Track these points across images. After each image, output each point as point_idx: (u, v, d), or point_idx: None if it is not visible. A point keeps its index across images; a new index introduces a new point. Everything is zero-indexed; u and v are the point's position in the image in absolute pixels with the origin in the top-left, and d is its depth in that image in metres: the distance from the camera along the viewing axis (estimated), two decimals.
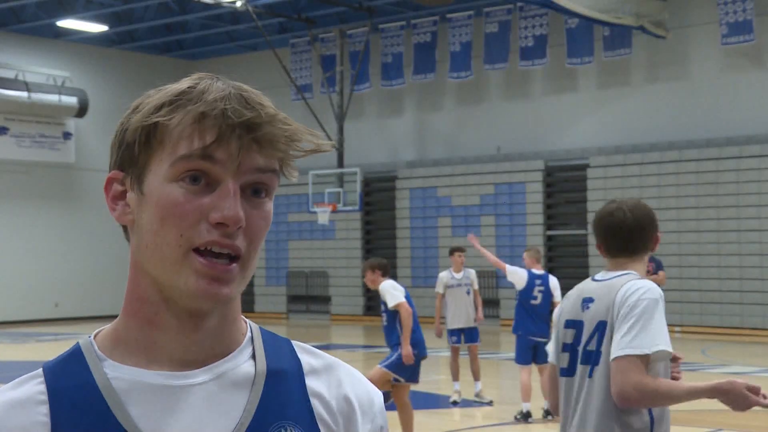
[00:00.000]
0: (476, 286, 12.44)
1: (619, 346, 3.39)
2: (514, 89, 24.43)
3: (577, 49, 22.47)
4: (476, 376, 12.38)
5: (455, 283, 12.39)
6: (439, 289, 12.45)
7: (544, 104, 23.96)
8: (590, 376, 3.54)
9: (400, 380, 9.15)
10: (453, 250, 12.73)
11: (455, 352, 12.48)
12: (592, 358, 3.54)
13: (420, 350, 9.13)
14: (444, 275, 12.53)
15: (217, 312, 1.29)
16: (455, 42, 24.05)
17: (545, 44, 22.81)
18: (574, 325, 3.64)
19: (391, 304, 9.00)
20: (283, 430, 1.28)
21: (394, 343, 9.17)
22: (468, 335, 12.38)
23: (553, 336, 3.80)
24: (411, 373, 9.13)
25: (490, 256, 11.78)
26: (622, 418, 3.45)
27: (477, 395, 12.30)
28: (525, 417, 11.04)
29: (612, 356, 3.41)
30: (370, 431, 1.36)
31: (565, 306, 3.75)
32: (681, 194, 21.51)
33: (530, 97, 24.24)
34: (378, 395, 1.40)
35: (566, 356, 3.66)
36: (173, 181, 1.25)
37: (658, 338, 3.39)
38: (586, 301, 3.62)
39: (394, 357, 9.09)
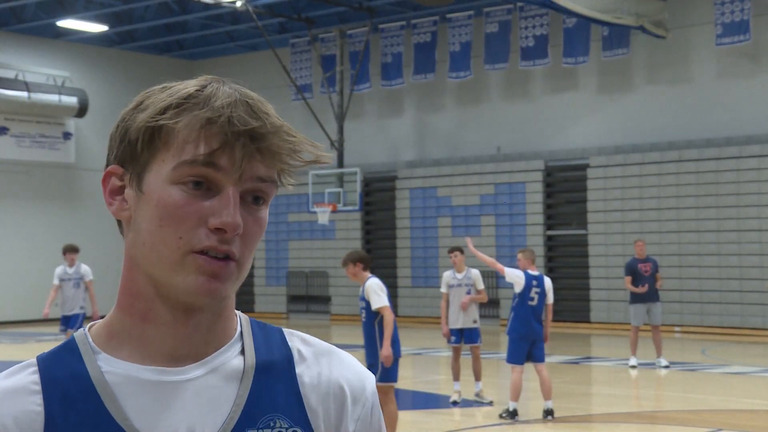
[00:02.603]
0: (481, 286, 12.39)
1: None
2: (514, 89, 24.43)
3: (573, 48, 22.46)
4: (477, 377, 12.39)
5: (456, 283, 12.40)
6: (443, 288, 12.48)
7: (544, 104, 23.95)
8: None
9: None
10: (448, 251, 12.79)
11: (456, 352, 12.48)
12: None
13: (396, 351, 9.13)
14: (446, 275, 12.55)
15: (210, 308, 1.31)
16: (455, 42, 24.05)
17: (546, 44, 22.80)
18: None
19: (375, 306, 9.01)
20: (271, 422, 1.31)
21: (370, 342, 9.18)
22: (468, 336, 12.38)
23: None
24: (385, 373, 9.06)
25: (486, 258, 11.71)
26: None
27: (477, 395, 12.31)
28: (511, 415, 11.08)
29: None
30: (360, 415, 1.38)
31: None
32: (681, 194, 21.51)
33: (530, 97, 24.24)
34: (370, 378, 1.41)
35: None
36: (175, 183, 1.26)
37: None
38: None
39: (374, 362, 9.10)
